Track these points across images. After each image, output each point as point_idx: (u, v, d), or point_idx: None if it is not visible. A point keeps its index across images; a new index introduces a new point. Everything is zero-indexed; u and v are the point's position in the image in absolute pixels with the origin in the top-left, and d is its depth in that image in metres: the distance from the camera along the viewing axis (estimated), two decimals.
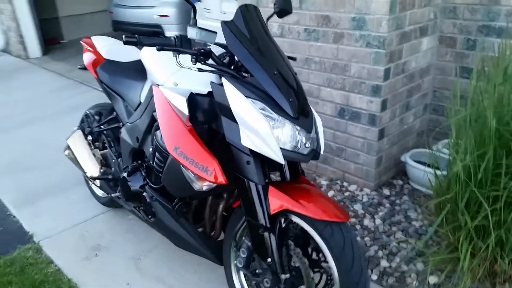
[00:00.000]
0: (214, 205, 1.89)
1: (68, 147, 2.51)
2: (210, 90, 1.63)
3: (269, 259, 1.58)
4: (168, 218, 1.88)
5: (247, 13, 1.62)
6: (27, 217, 2.80)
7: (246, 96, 1.50)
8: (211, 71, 1.59)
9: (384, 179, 2.82)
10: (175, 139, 1.64)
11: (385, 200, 2.66)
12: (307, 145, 1.54)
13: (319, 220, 1.48)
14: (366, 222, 2.48)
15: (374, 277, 2.06)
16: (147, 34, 7.31)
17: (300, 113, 1.53)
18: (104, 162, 2.46)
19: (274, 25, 2.91)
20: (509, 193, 1.69)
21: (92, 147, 2.44)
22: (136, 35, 1.48)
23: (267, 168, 1.61)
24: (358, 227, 2.45)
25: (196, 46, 1.58)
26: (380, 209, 2.58)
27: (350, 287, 1.47)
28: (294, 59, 2.05)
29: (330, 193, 2.79)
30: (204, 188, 1.63)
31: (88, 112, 2.54)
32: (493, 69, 1.88)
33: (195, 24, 1.57)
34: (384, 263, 2.14)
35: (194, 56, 1.53)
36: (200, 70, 1.56)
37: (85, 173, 2.45)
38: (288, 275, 1.60)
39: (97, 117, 2.49)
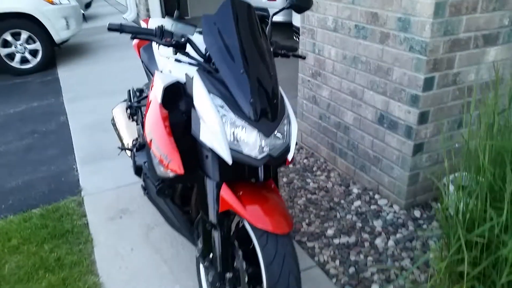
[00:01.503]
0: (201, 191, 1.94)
1: (113, 117, 2.78)
2: None
3: (211, 255, 1.59)
4: (154, 196, 1.99)
5: (235, 8, 1.60)
6: (85, 173, 3.19)
7: (208, 91, 1.50)
8: (189, 63, 1.62)
9: (420, 200, 2.55)
10: (150, 124, 1.72)
11: (410, 222, 2.41)
12: (264, 149, 1.49)
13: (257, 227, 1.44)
14: (378, 241, 2.29)
15: None
16: None
17: (264, 116, 1.48)
18: (137, 136, 2.68)
19: (329, 18, 2.78)
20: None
21: (130, 120, 2.67)
22: (120, 23, 1.57)
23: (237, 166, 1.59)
24: (366, 244, 2.28)
25: (175, 37, 1.62)
26: (400, 230, 2.36)
27: None
28: (303, 57, 1.97)
29: (356, 203, 2.63)
30: (170, 175, 1.69)
31: (131, 88, 2.77)
32: None
33: (178, 16, 1.61)
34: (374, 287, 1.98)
35: (169, 47, 1.57)
36: (177, 60, 1.60)
37: (121, 142, 2.70)
38: (231, 274, 1.60)
39: (137, 93, 2.70)
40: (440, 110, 2.32)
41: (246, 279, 1.59)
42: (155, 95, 1.73)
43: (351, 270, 2.13)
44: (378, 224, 2.43)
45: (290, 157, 1.56)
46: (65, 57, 6.56)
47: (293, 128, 1.57)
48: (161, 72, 1.86)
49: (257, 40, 1.61)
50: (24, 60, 5.81)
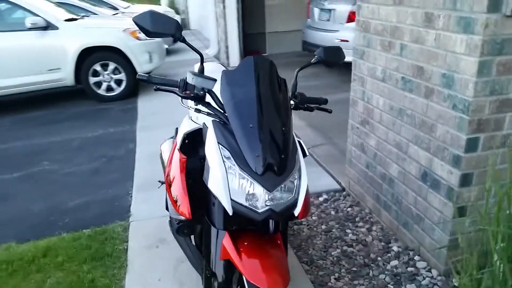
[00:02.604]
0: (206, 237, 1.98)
1: (160, 152, 2.95)
2: None
3: None
4: (174, 233, 2.07)
5: (257, 64, 1.66)
6: (137, 200, 3.40)
7: (218, 142, 1.56)
8: (207, 113, 1.70)
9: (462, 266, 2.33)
10: (170, 166, 1.82)
11: None
12: (266, 204, 1.50)
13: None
14: None
15: None
16: None
17: (270, 170, 1.50)
18: None
19: (378, 68, 2.73)
20: None
21: None
22: (147, 74, 1.71)
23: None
24: None
25: (196, 90, 1.71)
26: None
27: None
28: (329, 111, 1.97)
29: (393, 263, 2.48)
30: (181, 217, 1.75)
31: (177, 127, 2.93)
32: None
33: (201, 70, 1.71)
34: None
35: (188, 99, 1.66)
36: (197, 110, 1.69)
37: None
38: None
39: None
40: (486, 174, 2.14)
41: None
42: (177, 140, 1.83)
43: None
44: (411, 287, 2.27)
45: (296, 212, 1.55)
46: (146, 87, 7.11)
47: (303, 183, 1.56)
48: (190, 118, 1.97)
49: (275, 95, 1.64)
50: (109, 88, 6.42)
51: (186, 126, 1.87)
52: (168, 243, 2.79)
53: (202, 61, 1.76)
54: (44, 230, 3.03)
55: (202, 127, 1.82)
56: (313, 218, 3.03)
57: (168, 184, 1.79)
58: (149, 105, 6.07)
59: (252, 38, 9.47)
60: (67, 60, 6.01)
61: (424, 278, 2.33)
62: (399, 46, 2.49)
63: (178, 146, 1.79)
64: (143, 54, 6.41)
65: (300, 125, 4.97)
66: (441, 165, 2.24)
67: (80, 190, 3.67)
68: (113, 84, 6.41)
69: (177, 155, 1.80)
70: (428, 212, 2.40)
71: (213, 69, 2.82)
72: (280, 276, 1.47)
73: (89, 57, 6.12)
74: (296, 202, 1.54)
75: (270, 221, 1.66)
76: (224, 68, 2.90)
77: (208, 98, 1.68)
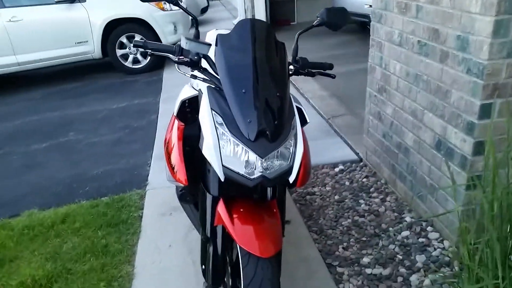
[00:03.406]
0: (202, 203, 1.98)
1: None
2: None
3: (203, 266, 1.63)
4: (180, 202, 2.09)
5: (254, 27, 1.61)
6: (156, 169, 3.46)
7: (211, 108, 1.53)
8: (203, 79, 1.67)
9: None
10: (169, 132, 1.82)
11: (458, 262, 2.15)
12: (259, 170, 1.47)
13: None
14: (414, 278, 2.09)
15: None
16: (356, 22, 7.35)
17: (263, 136, 1.47)
18: None
19: (396, 32, 2.60)
20: None
21: None
22: (144, 40, 1.69)
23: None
24: (400, 279, 2.10)
25: (191, 55, 1.68)
26: (443, 270, 2.12)
27: None
28: (332, 76, 1.91)
29: (404, 233, 2.42)
30: (178, 184, 1.76)
31: None
32: None
33: (196, 35, 1.67)
34: None
35: (183, 64, 1.64)
36: (193, 76, 1.67)
37: None
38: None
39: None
40: (502, 142, 2.02)
41: None
42: (175, 106, 1.82)
43: None
44: (420, 259, 2.21)
45: (291, 179, 1.52)
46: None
47: (299, 150, 1.53)
48: (191, 86, 1.95)
49: (271, 60, 1.59)
50: (135, 61, 6.48)
51: (184, 93, 1.85)
52: (181, 211, 2.82)
53: (197, 26, 1.72)
54: (66, 198, 3.15)
55: (197, 94, 1.80)
56: (327, 188, 2.99)
57: (167, 151, 1.80)
58: (173, 78, 6.10)
59: (280, 6, 9.24)
60: (93, 32, 6.10)
61: (435, 249, 2.26)
62: (415, 8, 2.35)
63: (175, 113, 1.79)
64: (168, 25, 6.41)
65: (323, 94, 4.86)
66: (454, 133, 2.14)
67: (102, 159, 3.78)
68: (139, 57, 6.47)
69: (173, 122, 1.80)
70: (442, 182, 2.31)
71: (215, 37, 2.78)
72: (272, 243, 1.46)
73: (115, 29, 6.18)
74: (291, 169, 1.50)
75: (268, 188, 1.64)
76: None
77: (205, 64, 1.66)
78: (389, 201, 2.77)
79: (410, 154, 2.61)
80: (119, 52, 6.35)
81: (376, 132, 3.07)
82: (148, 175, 3.40)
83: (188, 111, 1.86)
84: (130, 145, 4.04)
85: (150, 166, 3.54)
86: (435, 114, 2.29)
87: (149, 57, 6.46)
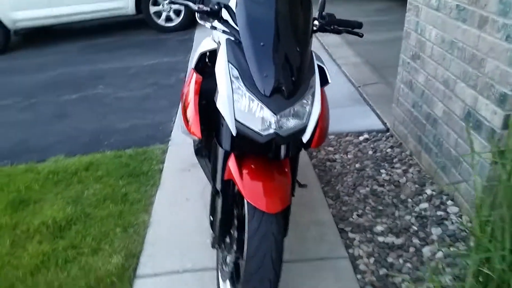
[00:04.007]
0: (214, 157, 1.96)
1: None
2: None
3: (211, 218, 1.64)
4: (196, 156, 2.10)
5: None
6: (178, 126, 3.48)
7: (228, 60, 1.50)
8: (223, 31, 1.63)
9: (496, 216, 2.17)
10: (187, 85, 1.80)
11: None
12: (272, 127, 1.44)
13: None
14: (426, 249, 2.05)
15: None
16: None
17: (278, 92, 1.43)
18: None
19: None
20: None
21: None
22: None
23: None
24: (412, 249, 2.07)
25: (211, 4, 1.64)
26: (458, 244, 2.06)
27: (248, 276, 1.41)
28: (360, 35, 1.83)
29: (423, 206, 2.36)
30: (192, 137, 1.76)
31: None
32: None
33: None
34: None
35: (201, 14, 1.60)
36: (213, 27, 1.63)
37: None
38: (228, 239, 1.63)
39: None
40: None
41: (235, 247, 1.61)
42: (193, 59, 1.80)
43: (382, 271, 1.96)
44: (436, 232, 2.16)
45: (305, 139, 1.49)
46: None
47: (315, 110, 1.49)
48: (212, 38, 1.91)
49: (294, 14, 1.54)
50: (168, 19, 6.46)
51: (204, 46, 1.82)
52: (200, 168, 2.85)
53: None
54: (91, 147, 3.24)
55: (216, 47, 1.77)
56: (349, 156, 2.94)
57: (183, 104, 1.79)
58: (204, 37, 6.03)
59: None
60: None
61: (452, 223, 2.20)
62: None
63: (193, 65, 1.77)
64: None
65: (357, 61, 4.71)
66: (485, 105, 2.02)
67: (129, 113, 3.84)
68: (172, 14, 6.43)
69: (190, 74, 1.79)
70: (467, 155, 2.21)
71: None
72: (279, 200, 1.45)
73: None
74: (305, 129, 1.47)
75: (282, 147, 1.62)
76: None
77: (226, 16, 1.61)
78: (411, 173, 2.69)
79: (438, 125, 2.50)
80: (153, 9, 6.33)
81: (406, 101, 2.96)
82: (171, 131, 3.43)
83: (208, 64, 1.83)
84: (157, 101, 4.08)
85: (174, 123, 3.58)
86: (467, 84, 2.17)
87: (181, 16, 6.41)
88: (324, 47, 5.24)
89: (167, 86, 4.44)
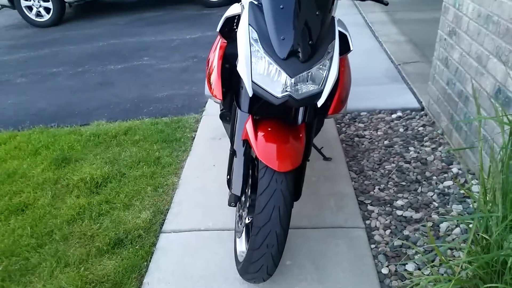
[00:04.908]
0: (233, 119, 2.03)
1: None
2: None
3: (228, 176, 1.74)
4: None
5: None
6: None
7: (249, 23, 1.55)
8: None
9: None
10: (213, 50, 1.88)
11: None
12: (287, 89, 1.50)
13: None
14: (444, 225, 2.05)
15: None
16: None
17: (295, 56, 1.47)
18: None
19: None
20: None
21: None
22: None
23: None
24: (430, 224, 2.07)
25: None
26: None
27: (256, 230, 1.50)
28: (385, 3, 1.82)
29: (447, 183, 2.34)
30: (214, 99, 1.84)
31: None
32: None
33: None
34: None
35: None
36: None
37: None
38: (243, 198, 1.72)
39: None
40: None
41: (248, 204, 1.69)
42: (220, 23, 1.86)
43: (397, 243, 1.99)
44: (457, 208, 2.14)
45: (319, 103, 1.54)
46: None
47: (331, 75, 1.52)
48: (241, 4, 1.97)
49: None
50: None
51: (231, 10, 1.88)
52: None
53: None
54: (131, 114, 3.43)
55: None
56: (378, 133, 2.93)
57: (208, 68, 1.87)
58: None
59: None
60: None
61: (475, 202, 2.17)
62: None
63: (218, 29, 1.83)
64: None
65: (399, 39, 4.59)
66: None
67: (169, 84, 3.99)
68: None
69: (218, 39, 1.86)
70: (495, 134, 2.16)
71: None
72: (290, 160, 1.51)
73: None
74: (321, 93, 1.51)
75: (300, 112, 1.67)
76: None
77: None
78: (440, 151, 2.66)
79: (469, 102, 2.44)
80: None
81: (441, 79, 2.89)
82: (206, 102, 3.54)
83: (234, 29, 1.89)
84: (195, 73, 4.20)
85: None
86: (500, 60, 2.11)
87: None
88: (368, 24, 5.13)
89: (206, 59, 4.54)
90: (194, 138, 2.99)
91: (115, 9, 7.16)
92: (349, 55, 2.00)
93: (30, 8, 6.44)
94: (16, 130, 3.32)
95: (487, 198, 1.38)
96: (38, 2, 6.36)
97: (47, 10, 6.46)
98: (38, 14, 6.49)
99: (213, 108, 3.40)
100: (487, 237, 1.26)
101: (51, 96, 3.95)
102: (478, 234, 1.33)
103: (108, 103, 3.69)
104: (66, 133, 3.12)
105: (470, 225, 1.55)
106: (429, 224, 2.08)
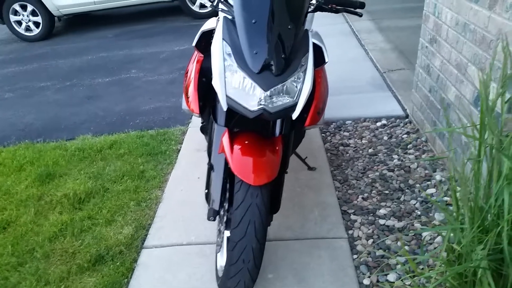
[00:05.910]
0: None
1: None
2: None
3: (206, 190, 1.73)
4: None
5: None
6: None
7: (223, 38, 1.57)
8: (221, 10, 1.70)
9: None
10: (190, 63, 1.89)
11: None
12: (261, 103, 1.50)
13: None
14: (425, 233, 2.05)
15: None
16: None
17: (268, 69, 1.48)
18: None
19: None
20: None
21: None
22: None
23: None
24: (411, 233, 2.07)
25: None
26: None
27: (232, 245, 1.49)
28: (359, 14, 1.84)
29: (430, 191, 2.35)
30: (191, 113, 1.85)
31: None
32: None
33: None
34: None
35: None
36: (212, 6, 1.71)
37: None
38: (222, 212, 1.72)
39: None
40: None
41: (226, 218, 1.69)
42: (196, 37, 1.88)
43: (379, 253, 1.99)
44: (439, 217, 2.14)
45: (294, 115, 1.54)
46: None
47: (305, 87, 1.53)
48: (217, 19, 1.98)
49: None
50: (202, 6, 6.56)
51: (207, 25, 1.90)
52: None
53: None
54: (117, 127, 3.42)
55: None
56: (363, 141, 2.93)
57: (185, 81, 1.88)
58: None
59: None
60: None
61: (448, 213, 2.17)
62: None
63: (194, 43, 1.84)
64: None
65: (385, 47, 4.63)
66: (492, 88, 1.98)
67: (156, 96, 4.00)
68: (207, 0, 6.54)
69: (195, 53, 1.87)
70: (476, 142, 2.16)
71: None
72: (265, 174, 1.51)
73: None
74: (296, 106, 1.52)
75: (277, 125, 1.68)
76: None
77: None
78: (423, 159, 2.66)
79: (451, 110, 2.46)
80: None
81: (423, 86, 2.91)
82: (192, 114, 3.53)
83: (211, 43, 1.91)
84: (182, 85, 4.20)
85: None
86: (478, 67, 2.12)
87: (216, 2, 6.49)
88: (355, 32, 5.17)
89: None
90: (179, 150, 2.99)
91: (104, 22, 7.19)
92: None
93: (19, 22, 6.45)
94: (1, 146, 3.31)
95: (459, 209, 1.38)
96: (27, 16, 6.38)
97: (36, 24, 6.47)
98: (28, 29, 6.50)
99: (199, 120, 3.39)
100: (458, 248, 1.26)
101: (38, 110, 3.94)
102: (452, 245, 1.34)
103: (94, 117, 3.69)
104: (51, 148, 3.11)
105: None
106: (411, 233, 2.07)
